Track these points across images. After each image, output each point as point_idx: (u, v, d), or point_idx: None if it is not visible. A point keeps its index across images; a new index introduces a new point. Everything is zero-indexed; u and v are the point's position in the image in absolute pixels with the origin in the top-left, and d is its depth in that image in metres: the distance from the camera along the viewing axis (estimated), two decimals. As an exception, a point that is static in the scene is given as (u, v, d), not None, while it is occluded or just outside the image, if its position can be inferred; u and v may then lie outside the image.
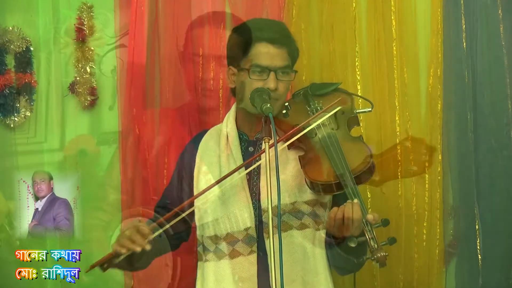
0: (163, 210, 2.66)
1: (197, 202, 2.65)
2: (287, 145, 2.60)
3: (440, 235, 3.12)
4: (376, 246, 2.39)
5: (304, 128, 2.58)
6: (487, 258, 3.05)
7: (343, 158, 2.53)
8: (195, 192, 2.67)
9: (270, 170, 2.31)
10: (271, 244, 2.25)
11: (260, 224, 2.60)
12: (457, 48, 3.13)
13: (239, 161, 2.66)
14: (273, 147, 2.38)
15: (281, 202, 2.40)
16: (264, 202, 2.60)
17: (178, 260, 2.95)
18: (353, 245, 2.41)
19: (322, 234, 2.61)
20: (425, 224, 3.11)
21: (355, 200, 2.44)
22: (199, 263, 2.70)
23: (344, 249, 2.48)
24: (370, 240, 2.40)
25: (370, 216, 2.45)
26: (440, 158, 3.10)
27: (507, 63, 3.10)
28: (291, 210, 2.60)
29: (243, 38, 2.70)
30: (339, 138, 2.60)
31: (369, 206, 3.08)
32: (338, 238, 2.50)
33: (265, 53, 2.64)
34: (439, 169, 3.09)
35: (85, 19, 3.33)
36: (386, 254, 2.38)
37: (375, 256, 2.38)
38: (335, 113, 2.62)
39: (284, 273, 2.23)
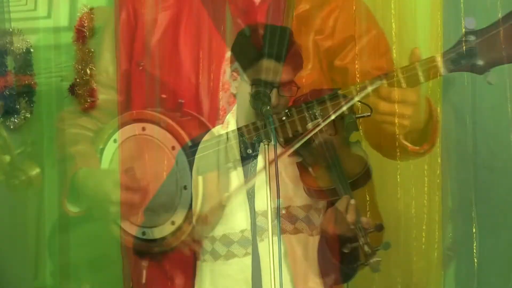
0: None
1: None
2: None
3: (439, 238, 3.11)
4: (370, 251, 2.40)
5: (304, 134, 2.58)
6: (485, 263, 3.05)
7: (338, 163, 2.54)
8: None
9: (270, 173, 2.33)
10: (270, 246, 2.28)
11: (253, 226, 2.62)
12: (457, 51, 3.11)
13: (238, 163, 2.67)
14: (272, 149, 2.41)
15: (275, 206, 2.42)
16: (258, 205, 2.62)
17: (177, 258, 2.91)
18: (346, 250, 2.42)
19: (315, 240, 2.62)
20: (424, 227, 3.10)
21: (352, 201, 2.45)
22: (197, 262, 2.73)
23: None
24: (363, 245, 2.41)
25: (364, 219, 2.45)
26: (439, 161, 3.11)
27: (507, 65, 3.09)
28: (284, 215, 2.61)
29: (250, 50, 2.65)
30: (336, 144, 2.61)
31: (367, 209, 3.08)
32: (332, 239, 2.50)
33: (270, 69, 2.60)
34: (438, 171, 3.10)
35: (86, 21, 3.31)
36: (380, 259, 2.39)
37: (369, 262, 2.39)
38: (334, 118, 2.62)
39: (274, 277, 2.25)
